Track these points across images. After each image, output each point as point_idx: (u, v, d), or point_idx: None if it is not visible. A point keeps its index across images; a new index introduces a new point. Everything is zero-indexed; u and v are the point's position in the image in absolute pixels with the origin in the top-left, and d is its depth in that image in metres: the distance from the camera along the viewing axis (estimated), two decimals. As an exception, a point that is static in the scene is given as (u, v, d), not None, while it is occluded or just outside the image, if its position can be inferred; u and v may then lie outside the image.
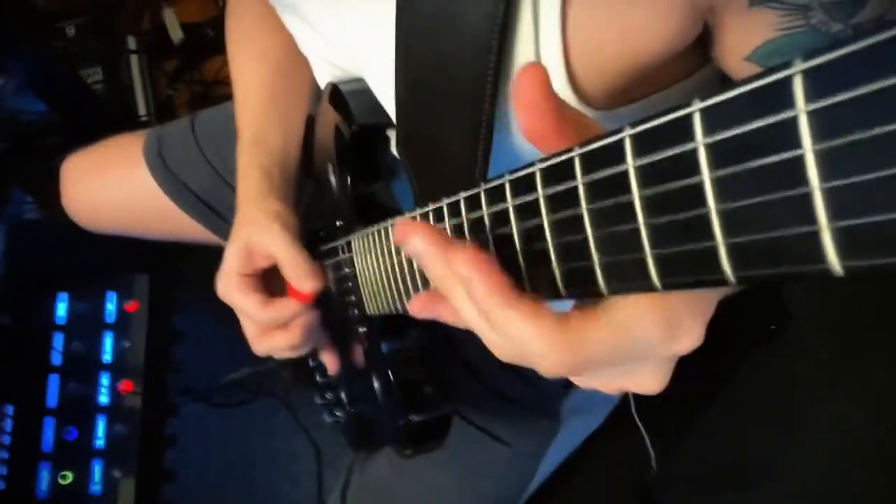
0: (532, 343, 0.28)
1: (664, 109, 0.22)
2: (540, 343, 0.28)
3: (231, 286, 0.59)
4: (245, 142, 0.65)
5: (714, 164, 0.20)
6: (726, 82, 0.20)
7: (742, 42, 0.40)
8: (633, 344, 0.28)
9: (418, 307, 0.36)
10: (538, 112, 0.28)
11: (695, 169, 0.21)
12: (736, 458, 0.72)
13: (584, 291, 0.27)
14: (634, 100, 0.47)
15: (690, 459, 0.77)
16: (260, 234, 0.59)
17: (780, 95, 0.18)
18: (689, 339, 0.28)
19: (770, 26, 0.38)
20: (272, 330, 0.60)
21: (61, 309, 1.12)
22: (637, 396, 0.76)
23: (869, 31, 0.16)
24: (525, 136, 0.29)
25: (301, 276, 0.58)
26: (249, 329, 0.61)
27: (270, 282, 0.61)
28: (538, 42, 0.42)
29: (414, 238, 0.31)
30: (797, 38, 0.37)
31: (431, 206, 0.37)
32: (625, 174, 0.24)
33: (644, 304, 0.27)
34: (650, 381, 0.30)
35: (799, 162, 0.18)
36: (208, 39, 1.56)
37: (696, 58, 0.47)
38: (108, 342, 1.12)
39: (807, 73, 0.17)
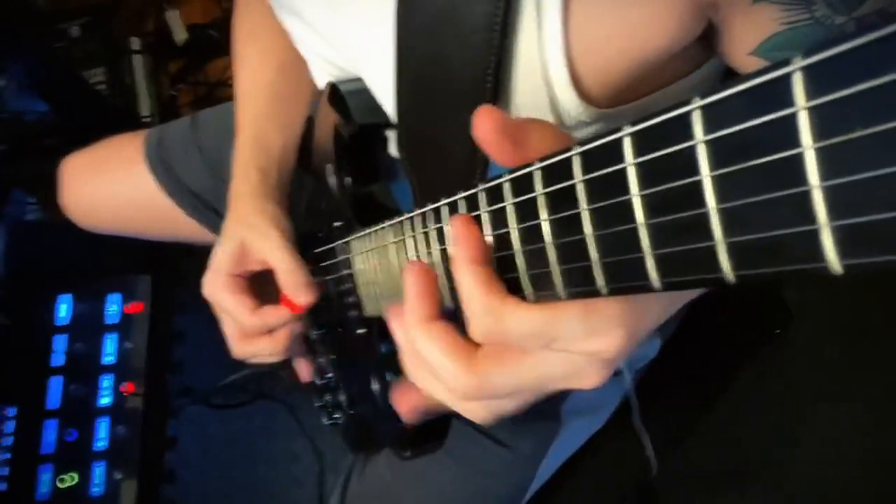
0: (473, 303, 0.31)
1: (664, 107, 0.22)
2: (479, 301, 0.30)
3: (219, 285, 0.59)
4: (244, 139, 0.65)
5: (714, 162, 0.20)
6: (729, 78, 0.19)
7: (747, 37, 0.40)
8: (554, 328, 0.29)
9: (406, 410, 0.41)
10: (497, 145, 0.30)
11: (694, 167, 0.21)
12: (737, 459, 0.72)
13: (582, 291, 0.27)
14: (637, 98, 0.47)
15: (691, 460, 0.77)
16: (258, 238, 0.59)
17: (780, 92, 0.18)
18: (606, 341, 0.30)
19: (774, 21, 0.38)
20: (256, 335, 0.59)
21: (63, 310, 1.12)
22: (640, 399, 0.76)
23: (870, 26, 0.15)
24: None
25: (299, 287, 0.58)
26: (231, 330, 0.61)
27: (258, 284, 0.61)
28: (541, 41, 0.42)
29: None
30: (801, 31, 0.37)
31: (430, 206, 0.37)
32: (624, 173, 0.23)
33: (573, 301, 0.30)
34: (584, 376, 0.32)
35: (799, 159, 0.18)
36: (212, 41, 1.57)
37: (699, 54, 0.47)
38: (109, 344, 1.11)
39: (807, 70, 0.17)
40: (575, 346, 0.30)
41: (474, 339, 0.32)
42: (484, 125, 0.30)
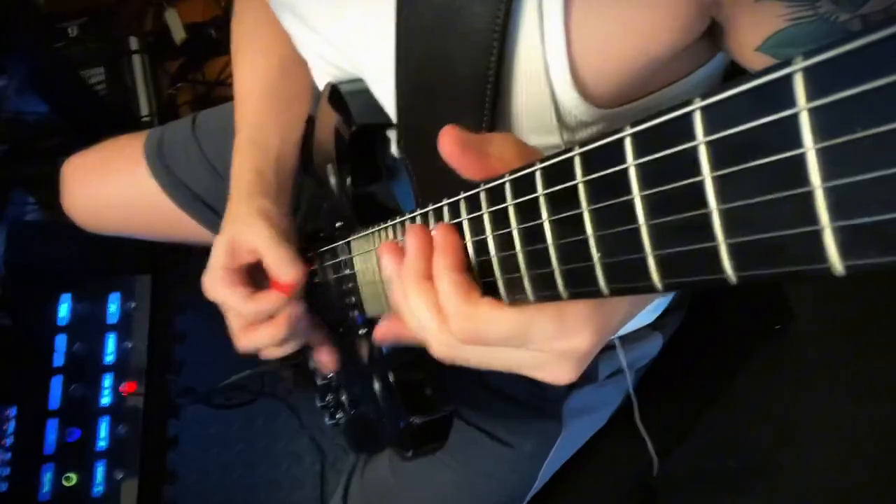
0: (450, 305, 0.33)
1: (665, 108, 0.22)
2: (455, 305, 0.33)
3: (215, 280, 0.59)
4: (242, 140, 0.65)
5: (715, 162, 0.20)
6: (731, 78, 0.19)
7: (752, 34, 0.40)
8: (528, 330, 0.32)
9: (381, 333, 0.43)
10: (459, 158, 0.33)
11: (696, 168, 0.21)
12: (737, 459, 0.72)
13: (584, 291, 0.27)
14: (640, 97, 0.47)
15: (692, 460, 0.77)
16: (244, 229, 0.59)
17: (781, 93, 0.18)
18: (577, 340, 0.33)
19: (778, 17, 0.38)
20: (257, 324, 0.59)
21: (63, 310, 1.12)
22: (640, 399, 0.76)
23: (871, 27, 0.15)
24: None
25: (280, 264, 0.58)
26: (234, 324, 0.61)
27: (258, 280, 0.61)
28: (542, 41, 0.42)
29: (381, 260, 0.38)
30: (806, 28, 0.37)
31: (431, 207, 0.37)
32: (625, 173, 0.23)
33: (546, 303, 0.32)
34: (555, 372, 0.35)
35: (800, 160, 0.17)
36: (211, 40, 1.56)
37: (701, 53, 0.47)
38: (110, 343, 1.12)
39: (808, 71, 0.17)
40: (547, 346, 0.33)
41: (448, 341, 0.35)
42: (446, 140, 0.33)
